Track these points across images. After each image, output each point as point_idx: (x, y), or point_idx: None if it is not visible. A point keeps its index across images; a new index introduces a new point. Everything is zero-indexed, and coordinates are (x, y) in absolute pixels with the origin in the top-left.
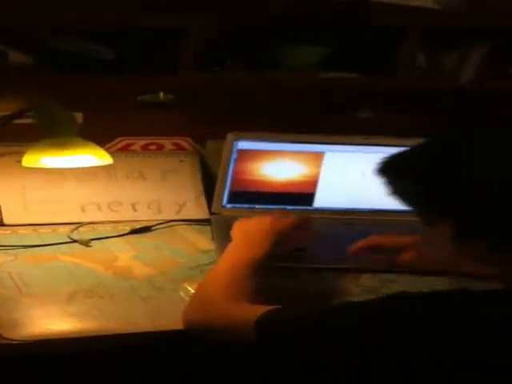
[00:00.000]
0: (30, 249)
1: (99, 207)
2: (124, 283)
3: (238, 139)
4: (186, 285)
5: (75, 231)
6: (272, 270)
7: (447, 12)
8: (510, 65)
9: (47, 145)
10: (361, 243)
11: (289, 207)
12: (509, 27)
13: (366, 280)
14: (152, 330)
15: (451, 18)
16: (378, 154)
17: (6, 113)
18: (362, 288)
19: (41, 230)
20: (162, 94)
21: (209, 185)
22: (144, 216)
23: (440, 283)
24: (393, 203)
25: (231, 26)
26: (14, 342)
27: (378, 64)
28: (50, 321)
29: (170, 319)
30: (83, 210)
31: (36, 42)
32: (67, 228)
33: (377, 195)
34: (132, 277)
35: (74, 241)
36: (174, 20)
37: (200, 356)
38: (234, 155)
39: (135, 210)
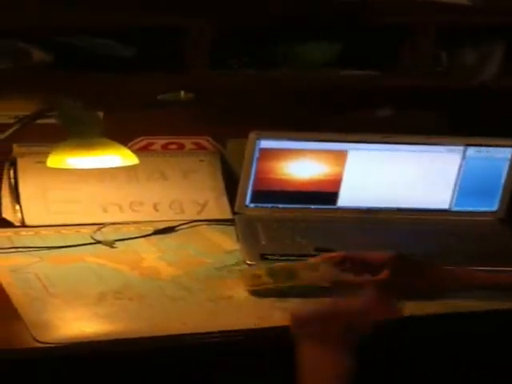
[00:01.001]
0: (54, 250)
1: (121, 208)
2: (152, 284)
3: (260, 138)
4: None
5: (98, 232)
6: None
7: (466, 9)
8: None
9: (73, 145)
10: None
11: (312, 206)
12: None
13: None
14: (183, 331)
15: (470, 14)
16: (400, 152)
17: (26, 113)
18: None
19: (63, 231)
20: (182, 92)
21: (230, 184)
22: (166, 216)
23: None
24: (417, 201)
25: (242, 25)
26: (49, 346)
27: (397, 62)
28: (82, 323)
29: (202, 320)
30: (105, 210)
31: (56, 40)
32: (90, 229)
33: (401, 194)
34: (159, 278)
35: (98, 242)
36: (193, 19)
37: (231, 358)
38: (257, 154)
39: (157, 210)
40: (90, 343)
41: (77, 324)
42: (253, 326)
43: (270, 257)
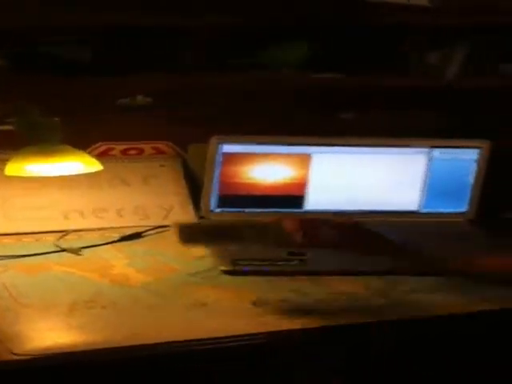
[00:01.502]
0: (18, 259)
1: (83, 214)
2: (123, 292)
3: (222, 142)
4: None
5: (61, 240)
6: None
7: (433, 10)
8: (490, 63)
9: (32, 152)
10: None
11: (280, 210)
12: (490, 26)
13: (371, 282)
14: (160, 341)
15: (437, 16)
16: (365, 154)
17: None
18: (372, 291)
19: (25, 239)
20: (140, 97)
21: (193, 189)
22: (131, 222)
23: (441, 281)
24: (385, 203)
25: (213, 29)
26: (26, 358)
27: (366, 63)
28: (57, 333)
29: (179, 329)
30: (66, 217)
31: (11, 44)
32: (52, 236)
33: (368, 196)
34: (130, 285)
35: (63, 250)
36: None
37: (209, 366)
38: (220, 158)
39: (121, 216)
40: (68, 354)
41: (51, 335)
42: (230, 334)
43: (241, 262)
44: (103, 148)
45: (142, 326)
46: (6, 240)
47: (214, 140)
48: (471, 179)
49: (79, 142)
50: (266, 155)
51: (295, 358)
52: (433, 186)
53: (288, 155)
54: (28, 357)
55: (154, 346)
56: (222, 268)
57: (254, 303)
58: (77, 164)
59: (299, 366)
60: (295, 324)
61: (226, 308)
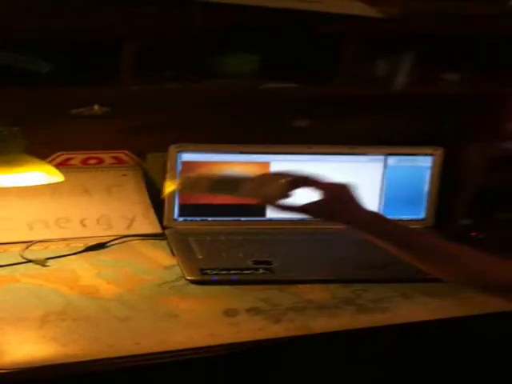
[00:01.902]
0: None
1: (47, 224)
2: (94, 303)
3: (181, 151)
4: None
5: (27, 250)
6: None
7: (381, 19)
8: (439, 70)
9: None
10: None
11: (242, 219)
12: (438, 34)
13: (338, 291)
14: (139, 352)
15: (384, 24)
16: (323, 162)
17: None
18: (338, 299)
19: None
20: (96, 106)
21: (153, 198)
22: (94, 232)
23: (410, 289)
24: None
25: (166, 38)
26: (5, 371)
27: (316, 72)
28: (31, 347)
29: (155, 340)
30: (30, 227)
31: None
32: (17, 247)
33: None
34: (100, 297)
35: (29, 261)
36: (110, 33)
37: (185, 377)
38: (179, 167)
39: (84, 226)
40: (48, 367)
41: (26, 348)
42: (205, 344)
43: (209, 271)
44: (62, 158)
45: (118, 337)
46: None
47: (172, 148)
48: (427, 186)
49: (37, 152)
50: (225, 163)
51: (270, 366)
52: (390, 194)
53: (247, 163)
54: (3, 371)
55: (132, 357)
56: (191, 278)
57: (226, 313)
58: (39, 174)
59: (274, 375)
60: (268, 333)
61: (198, 318)
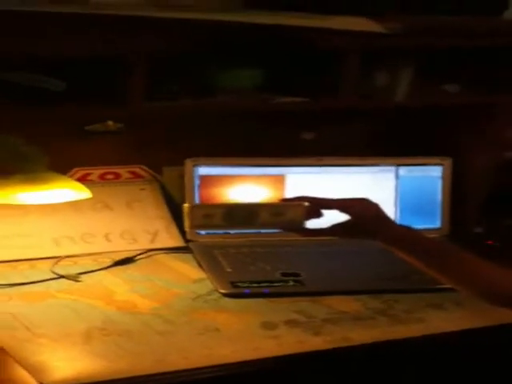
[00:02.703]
0: (18, 287)
1: (73, 240)
2: (133, 318)
3: (196, 165)
4: None
5: (56, 266)
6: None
7: (382, 34)
8: (439, 82)
9: (20, 181)
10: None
11: (263, 231)
12: (437, 47)
13: (369, 302)
14: (188, 366)
15: (387, 39)
16: (335, 173)
17: None
18: (371, 310)
19: (20, 267)
20: (110, 122)
21: (172, 211)
22: (119, 246)
23: (439, 299)
24: None
25: (174, 54)
26: None
27: (320, 86)
28: (79, 363)
29: (201, 354)
30: (57, 243)
31: None
32: (45, 263)
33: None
34: (138, 311)
35: (62, 276)
36: (121, 51)
37: None
38: (197, 181)
39: (109, 241)
40: (100, 383)
41: (74, 364)
42: (250, 358)
43: (240, 284)
44: (81, 173)
45: (163, 352)
46: (0, 268)
47: (188, 162)
48: (439, 195)
49: (54, 169)
50: (241, 177)
51: (314, 379)
52: (404, 204)
53: (263, 176)
54: None
55: (182, 372)
56: (223, 291)
57: (264, 326)
58: (67, 191)
59: None
60: (309, 345)
61: (238, 332)
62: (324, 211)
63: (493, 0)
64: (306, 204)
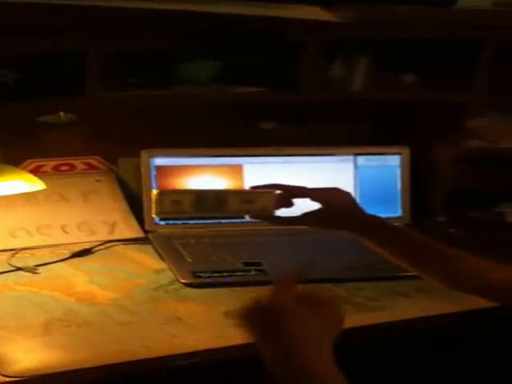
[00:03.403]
0: None
1: (29, 232)
2: (94, 309)
3: (152, 156)
4: None
5: (13, 258)
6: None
7: (340, 24)
8: (396, 72)
9: None
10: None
11: (223, 221)
12: (392, 38)
13: (333, 290)
14: (150, 356)
15: (342, 30)
16: (294, 164)
17: None
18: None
19: None
20: (62, 113)
21: (129, 202)
22: (77, 238)
23: (403, 287)
24: None
25: (131, 46)
26: (17, 379)
27: (278, 77)
28: (39, 354)
29: (165, 343)
30: (13, 235)
31: None
32: (1, 256)
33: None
34: (98, 302)
35: (19, 268)
36: (74, 42)
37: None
38: (154, 172)
39: (66, 233)
40: (61, 373)
41: (34, 355)
42: (214, 346)
43: (202, 274)
44: (34, 165)
45: (124, 342)
46: None
47: (144, 154)
48: (399, 184)
49: (6, 161)
50: (198, 167)
51: None
52: (364, 193)
53: (220, 166)
54: (20, 378)
55: (143, 361)
56: (185, 281)
57: (227, 315)
58: (19, 183)
59: None
60: None
61: (201, 321)
62: (295, 200)
63: None
64: (277, 192)
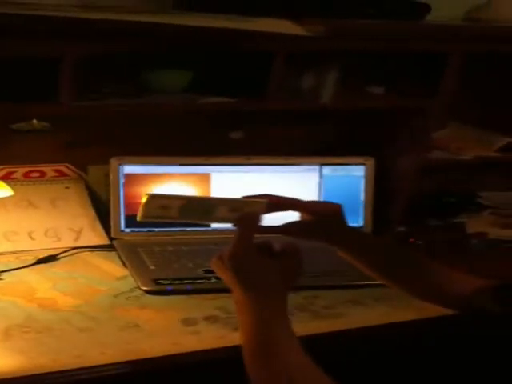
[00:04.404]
0: None
1: None
2: (54, 315)
3: (122, 164)
4: None
5: None
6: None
7: (308, 37)
8: (364, 84)
9: None
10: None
11: (188, 229)
12: (362, 49)
13: (290, 298)
14: (105, 362)
15: (312, 42)
16: (261, 173)
17: None
18: (291, 306)
19: None
20: (35, 121)
21: (97, 210)
22: (43, 244)
23: (364, 295)
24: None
25: (104, 54)
26: None
27: (247, 87)
28: None
29: (120, 350)
30: None
31: None
32: None
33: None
34: (59, 308)
35: None
36: (48, 50)
37: None
38: (122, 180)
39: (33, 239)
40: (13, 380)
41: None
42: (170, 353)
43: (163, 281)
44: (5, 172)
45: (83, 348)
46: None
47: (114, 161)
48: (362, 194)
49: None
50: (166, 175)
51: (233, 373)
52: None
53: (188, 175)
54: None
55: (99, 367)
56: (145, 288)
57: (184, 322)
58: None
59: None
60: (228, 341)
61: (159, 328)
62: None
63: (415, 4)
64: (266, 201)
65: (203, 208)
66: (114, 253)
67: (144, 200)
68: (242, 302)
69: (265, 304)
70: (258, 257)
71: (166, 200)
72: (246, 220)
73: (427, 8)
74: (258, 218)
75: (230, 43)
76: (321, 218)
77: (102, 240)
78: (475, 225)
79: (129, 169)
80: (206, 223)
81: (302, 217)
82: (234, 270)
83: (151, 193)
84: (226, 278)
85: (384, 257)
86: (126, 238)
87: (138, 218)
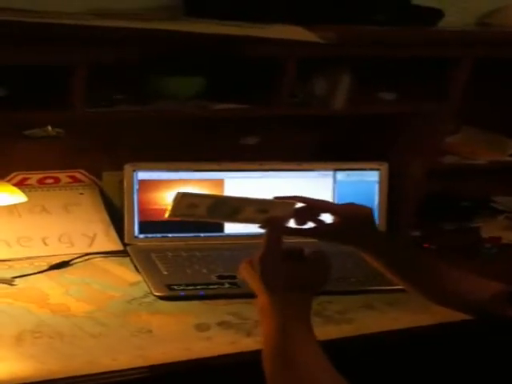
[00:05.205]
0: None
1: (8, 244)
2: (66, 321)
3: (136, 170)
4: None
5: None
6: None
7: (319, 43)
8: (376, 90)
9: None
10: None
11: (202, 234)
12: (373, 55)
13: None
14: (117, 368)
15: (323, 48)
16: (274, 178)
17: None
18: None
19: None
20: (49, 127)
21: (111, 215)
22: (57, 250)
23: (372, 300)
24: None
25: (116, 61)
26: None
27: (260, 93)
28: (11, 364)
29: (132, 355)
30: None
31: None
32: None
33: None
34: (72, 314)
35: None
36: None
37: None
38: (136, 186)
39: (46, 245)
40: None
41: (5, 366)
42: (181, 359)
43: (176, 287)
44: (19, 178)
45: (94, 354)
46: None
47: (128, 167)
48: (376, 200)
49: None
50: (180, 181)
51: (246, 379)
52: None
53: (202, 181)
54: None
55: (111, 373)
56: (158, 294)
57: (197, 327)
58: (1, 195)
59: None
60: (241, 346)
61: (171, 333)
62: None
63: (428, 10)
64: (298, 204)
65: (231, 208)
66: (127, 258)
67: (174, 198)
68: (267, 306)
69: (290, 308)
70: (286, 260)
71: (195, 198)
72: (273, 223)
73: (440, 14)
74: (285, 221)
75: (241, 50)
76: (351, 221)
77: (116, 246)
78: (490, 229)
79: (143, 175)
80: (233, 223)
81: (332, 219)
82: (261, 273)
83: (182, 191)
84: (254, 282)
85: (409, 262)
86: (139, 243)
87: (167, 216)
